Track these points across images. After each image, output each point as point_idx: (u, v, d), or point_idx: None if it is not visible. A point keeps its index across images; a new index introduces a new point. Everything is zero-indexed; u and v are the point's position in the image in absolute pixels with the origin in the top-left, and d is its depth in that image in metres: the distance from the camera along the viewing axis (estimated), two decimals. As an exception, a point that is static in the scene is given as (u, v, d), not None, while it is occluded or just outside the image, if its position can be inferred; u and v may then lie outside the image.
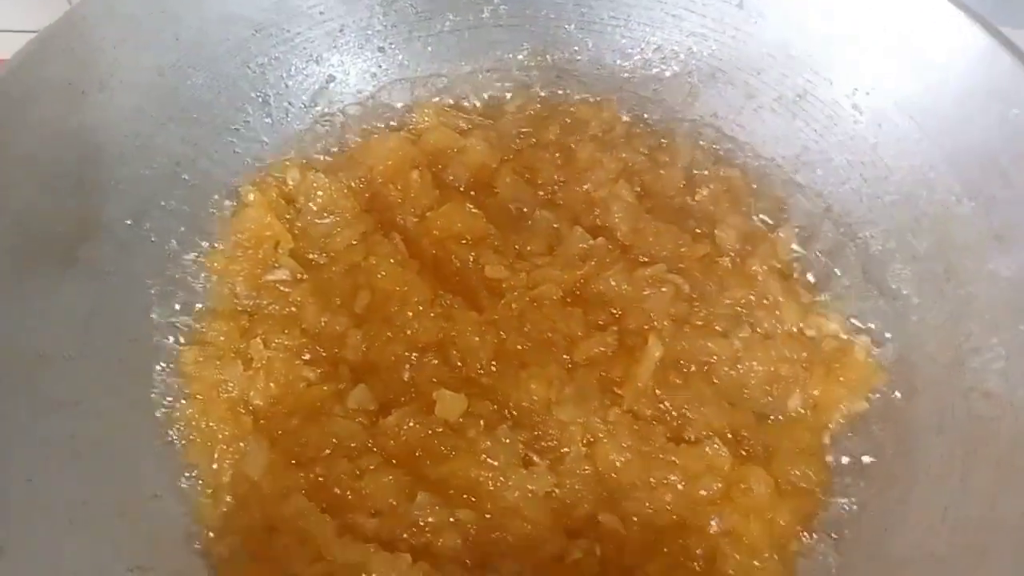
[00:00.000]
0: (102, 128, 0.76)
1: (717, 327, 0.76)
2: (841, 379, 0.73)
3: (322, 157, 0.87)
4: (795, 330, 0.76)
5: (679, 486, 0.67)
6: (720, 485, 0.66)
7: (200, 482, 0.70)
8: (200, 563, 0.67)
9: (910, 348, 0.71)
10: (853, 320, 0.75)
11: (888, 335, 0.73)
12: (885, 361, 0.72)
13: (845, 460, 0.70)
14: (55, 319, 0.69)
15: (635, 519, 0.67)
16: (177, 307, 0.77)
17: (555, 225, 0.83)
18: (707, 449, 0.68)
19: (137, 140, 0.78)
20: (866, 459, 0.69)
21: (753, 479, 0.66)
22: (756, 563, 0.64)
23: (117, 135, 0.77)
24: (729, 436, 0.70)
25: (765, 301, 0.77)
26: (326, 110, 0.88)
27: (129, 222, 0.77)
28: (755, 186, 0.84)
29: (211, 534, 0.68)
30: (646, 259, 0.80)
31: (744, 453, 0.70)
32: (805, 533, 0.66)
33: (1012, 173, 0.68)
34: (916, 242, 0.73)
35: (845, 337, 0.74)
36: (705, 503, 0.67)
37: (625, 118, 0.90)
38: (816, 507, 0.67)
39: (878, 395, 0.72)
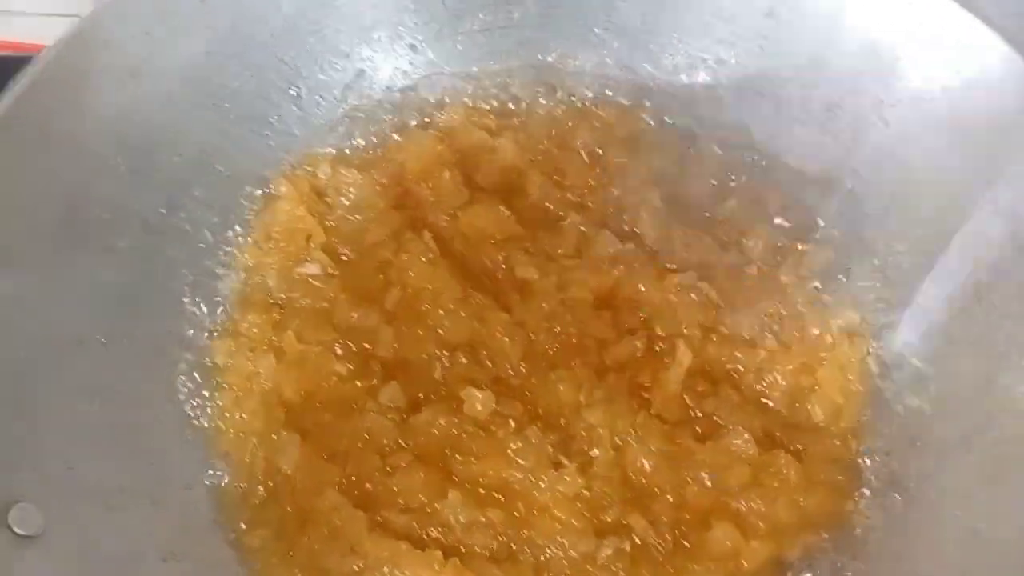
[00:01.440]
0: (137, 115, 0.75)
1: (744, 336, 0.78)
2: (860, 391, 0.75)
3: (353, 152, 0.87)
4: (820, 341, 0.77)
5: (707, 482, 0.68)
6: (748, 473, 0.68)
7: (232, 474, 0.70)
8: (231, 554, 0.67)
9: (938, 366, 0.72)
10: (881, 334, 0.76)
11: (916, 352, 0.74)
12: (913, 378, 0.73)
13: (871, 471, 0.71)
14: (92, 305, 0.69)
15: (664, 519, 0.68)
16: (211, 297, 0.77)
17: (583, 229, 0.83)
18: (734, 441, 0.69)
19: (170, 128, 0.78)
20: (893, 472, 0.70)
21: (782, 462, 0.68)
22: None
23: (151, 123, 0.76)
24: (761, 434, 0.71)
25: (791, 312, 0.79)
26: (356, 104, 0.88)
27: (163, 210, 0.76)
28: (783, 197, 0.85)
29: (243, 525, 0.68)
30: (673, 266, 0.81)
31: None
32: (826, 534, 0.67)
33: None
34: (946, 258, 0.74)
35: (872, 352, 0.75)
36: (733, 492, 0.68)
37: (654, 124, 0.90)
38: (843, 508, 0.68)
39: (905, 410, 0.73)
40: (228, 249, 0.80)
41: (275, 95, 0.85)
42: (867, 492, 0.70)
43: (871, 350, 0.76)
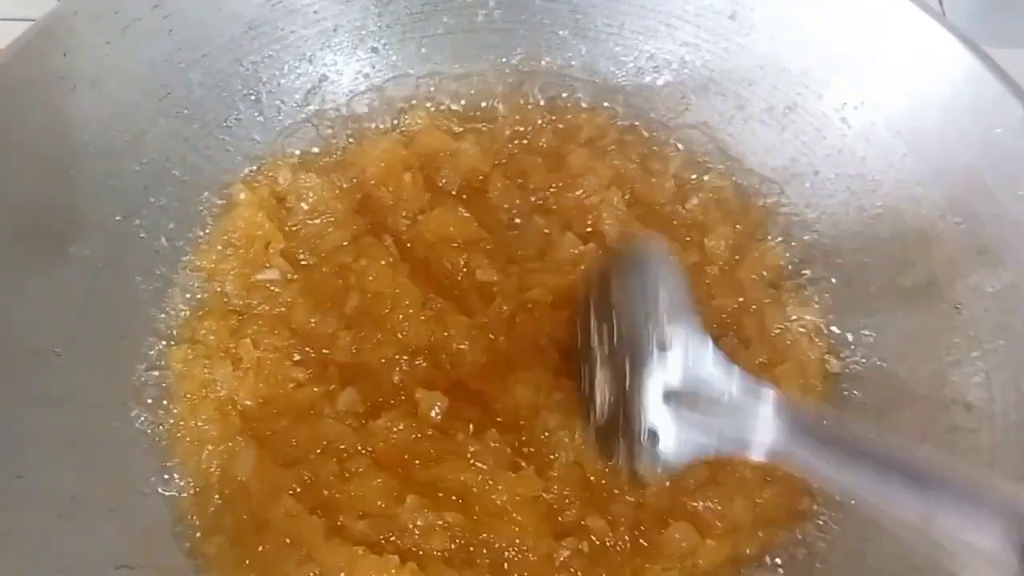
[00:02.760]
0: (94, 122, 0.75)
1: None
2: (819, 388, 0.75)
3: (314, 157, 0.87)
4: (780, 340, 0.77)
5: (666, 483, 0.68)
6: (705, 470, 0.68)
7: (188, 481, 0.70)
8: (187, 562, 0.66)
9: (892, 360, 0.73)
10: (835, 329, 0.77)
11: (873, 349, 0.74)
12: (871, 374, 0.74)
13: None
14: (46, 314, 0.69)
15: (623, 520, 0.68)
16: (167, 305, 0.77)
17: (546, 231, 0.83)
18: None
19: (128, 135, 0.77)
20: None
21: (739, 462, 0.68)
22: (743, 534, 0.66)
23: (108, 130, 0.76)
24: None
25: (751, 311, 0.79)
26: (318, 109, 0.88)
27: (119, 218, 0.76)
28: (745, 196, 0.85)
29: (198, 533, 0.68)
30: (635, 266, 0.81)
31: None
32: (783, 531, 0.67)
33: (995, 190, 0.69)
34: (901, 255, 0.74)
35: (825, 346, 0.76)
36: (690, 492, 0.68)
37: (617, 125, 0.90)
38: (799, 506, 0.68)
39: (860, 404, 0.73)
40: (186, 256, 0.79)
41: (235, 100, 0.85)
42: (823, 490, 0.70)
43: (830, 348, 0.76)
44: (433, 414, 0.72)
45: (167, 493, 0.69)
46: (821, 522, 0.68)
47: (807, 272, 0.80)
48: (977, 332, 0.68)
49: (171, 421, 0.72)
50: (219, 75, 0.84)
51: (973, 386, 0.66)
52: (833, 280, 0.79)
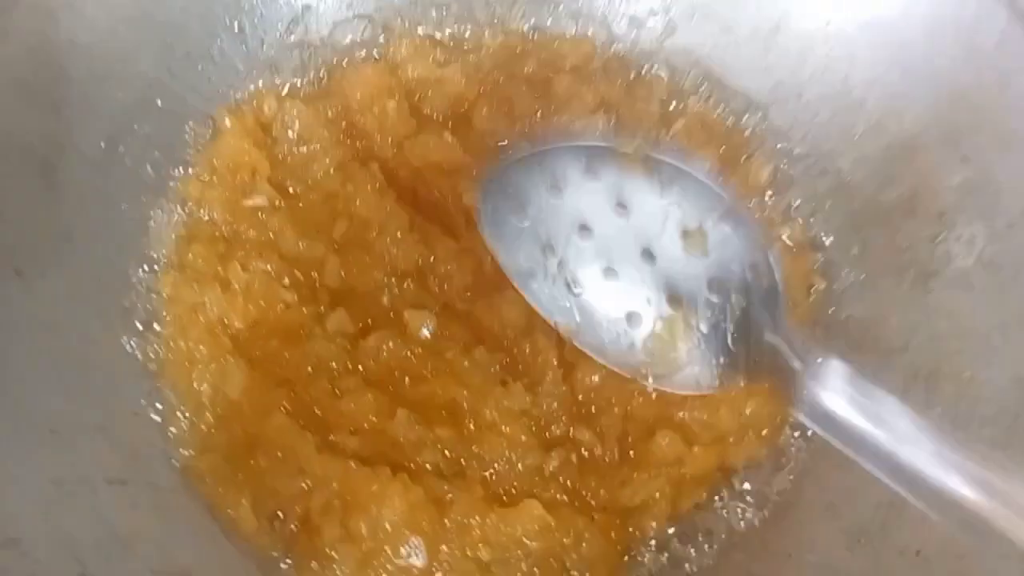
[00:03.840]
0: (75, 47, 0.74)
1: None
2: (804, 304, 0.76)
3: (299, 86, 0.86)
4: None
5: (653, 395, 0.69)
6: None
7: (179, 401, 0.70)
8: (178, 479, 0.67)
9: (878, 272, 0.73)
10: (820, 246, 0.77)
11: (855, 262, 0.75)
12: (855, 288, 0.74)
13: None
14: (32, 237, 0.68)
15: (611, 432, 0.69)
16: (153, 232, 0.77)
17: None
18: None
19: (110, 62, 0.76)
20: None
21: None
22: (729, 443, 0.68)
23: (89, 56, 0.75)
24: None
25: (739, 230, 0.79)
26: (302, 39, 0.87)
27: (103, 145, 0.76)
28: (730, 119, 0.85)
29: (191, 451, 0.68)
30: (622, 190, 0.81)
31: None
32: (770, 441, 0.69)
33: (978, 100, 0.70)
34: (885, 170, 0.75)
35: (810, 263, 0.76)
36: (677, 403, 0.69)
37: (602, 53, 0.90)
38: (785, 416, 0.69)
39: (845, 319, 0.74)
40: (171, 184, 0.79)
41: (218, 30, 0.84)
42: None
43: (814, 265, 0.77)
44: (422, 333, 0.72)
45: (158, 413, 0.70)
46: (808, 433, 0.69)
47: (792, 191, 0.80)
48: (960, 238, 0.69)
49: (160, 344, 0.72)
50: (201, 4, 0.82)
51: (957, 293, 0.67)
52: (818, 199, 0.79)
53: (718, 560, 0.64)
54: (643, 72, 0.88)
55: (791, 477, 0.68)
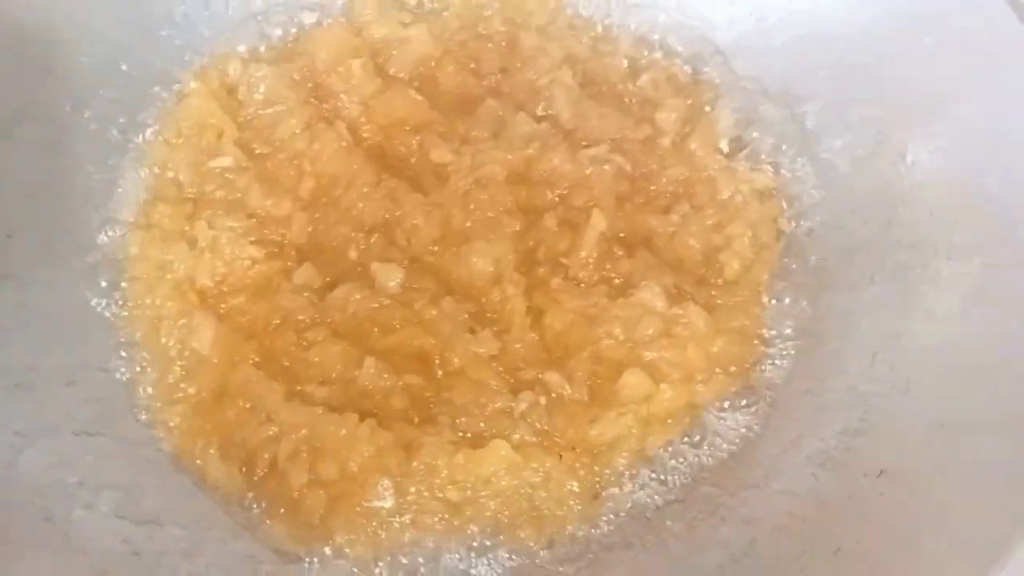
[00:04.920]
0: (37, 9, 0.75)
1: (659, 203, 0.78)
2: (772, 247, 0.76)
3: (262, 49, 0.86)
4: (731, 203, 0.78)
5: (620, 336, 0.69)
6: (659, 324, 0.69)
7: (147, 357, 0.70)
8: (148, 432, 0.67)
9: (843, 216, 0.74)
10: (790, 191, 0.77)
11: (820, 205, 0.75)
12: (819, 228, 0.75)
13: (781, 317, 0.72)
14: (-3, 194, 0.69)
15: (579, 374, 0.69)
16: (119, 193, 0.77)
17: (500, 113, 0.83)
18: (645, 294, 0.70)
19: (74, 26, 0.77)
20: (802, 314, 0.71)
21: (691, 313, 0.69)
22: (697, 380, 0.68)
23: (52, 19, 0.76)
24: (673, 290, 0.71)
25: (703, 177, 0.79)
26: (267, 1, 0.88)
27: (69, 108, 0.76)
28: (695, 71, 0.85)
29: (158, 403, 0.68)
30: (588, 143, 0.81)
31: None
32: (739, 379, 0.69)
33: (940, 32, 0.70)
34: (850, 110, 0.75)
35: (777, 207, 0.77)
36: (645, 343, 0.69)
37: (568, 11, 0.90)
38: (753, 352, 0.70)
39: (813, 258, 0.74)
40: (136, 143, 0.79)
41: (182, -7, 0.84)
42: (777, 335, 0.71)
43: (781, 209, 0.77)
44: (389, 286, 0.72)
45: (127, 368, 0.69)
46: (775, 364, 0.69)
47: (757, 136, 0.80)
48: (925, 177, 0.69)
49: (128, 301, 0.72)
50: (164, -32, 0.83)
51: (919, 224, 0.67)
52: (783, 143, 0.79)
53: (686, 495, 0.64)
54: (609, 28, 0.89)
55: (757, 411, 0.68)
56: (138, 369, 0.70)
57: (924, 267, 0.67)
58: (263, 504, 0.64)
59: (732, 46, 0.85)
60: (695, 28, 0.86)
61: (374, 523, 0.63)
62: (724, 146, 0.81)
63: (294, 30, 0.87)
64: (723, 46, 0.85)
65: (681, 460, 0.66)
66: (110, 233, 0.75)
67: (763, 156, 0.80)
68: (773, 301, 0.73)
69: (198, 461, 0.66)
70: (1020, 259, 0.61)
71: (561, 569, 0.62)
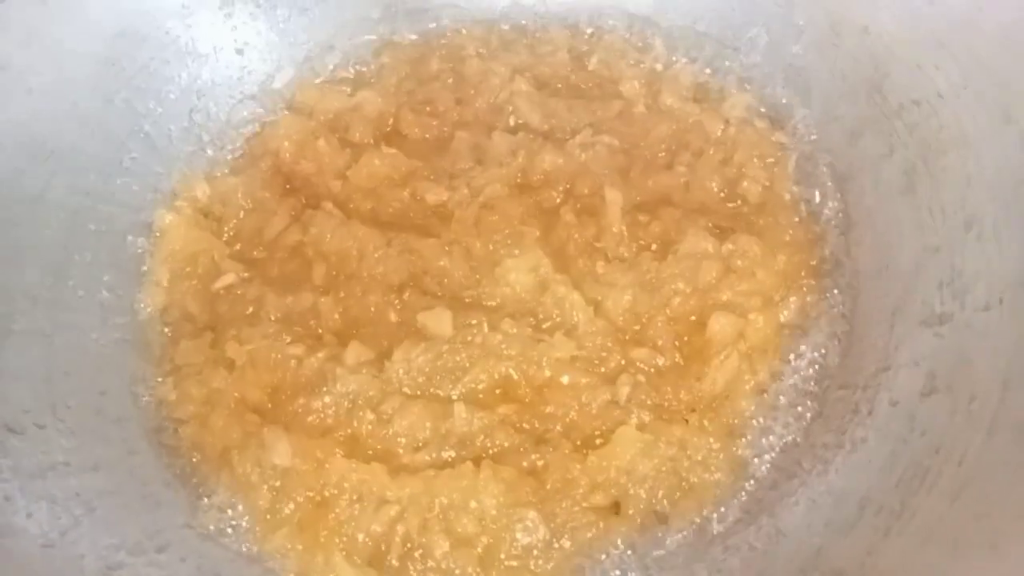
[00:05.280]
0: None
1: (660, 162, 0.79)
2: (774, 159, 0.77)
3: (222, 162, 0.84)
4: (725, 135, 0.79)
5: (686, 289, 0.68)
6: (718, 265, 0.68)
7: (231, 493, 0.65)
8: (262, 566, 0.62)
9: (833, 104, 0.75)
10: (772, 106, 0.79)
11: (809, 103, 0.77)
12: (813, 145, 0.77)
13: (820, 215, 0.72)
14: (14, 391, 0.64)
15: (660, 341, 0.67)
16: (134, 350, 0.72)
17: (474, 140, 0.83)
18: (692, 242, 0.69)
19: (25, 200, 0.73)
20: (838, 206, 0.72)
21: (742, 243, 0.69)
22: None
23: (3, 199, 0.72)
24: (716, 231, 0.71)
25: (688, 126, 0.80)
26: (206, 121, 0.86)
27: (50, 282, 0.72)
28: (640, 38, 0.87)
29: (261, 532, 0.63)
30: (567, 137, 0.82)
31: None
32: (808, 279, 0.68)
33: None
34: (795, 17, 0.77)
35: (769, 123, 0.78)
36: (713, 286, 0.68)
37: (497, 31, 0.91)
38: (814, 254, 0.69)
39: (826, 156, 0.75)
40: (136, 295, 0.75)
41: (123, 140, 0.81)
42: (827, 233, 0.71)
43: (772, 123, 0.78)
44: (444, 329, 0.69)
45: (211, 515, 0.64)
46: (835, 255, 0.69)
47: (725, 75, 0.82)
48: (893, 39, 0.71)
49: (187, 439, 0.67)
50: (94, 119, 0.79)
51: (912, 82, 0.69)
52: (749, 72, 0.81)
53: (822, 407, 0.63)
54: (542, 31, 0.90)
55: (843, 302, 0.68)
56: (229, 512, 0.64)
57: (934, 114, 0.68)
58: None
59: (658, 4, 0.87)
60: (618, 2, 0.88)
61: (533, 553, 0.59)
62: (694, 93, 0.82)
63: (240, 143, 0.85)
64: (650, 10, 0.87)
65: (798, 377, 0.64)
66: (142, 392, 0.70)
67: (733, 90, 0.82)
68: (804, 204, 0.73)
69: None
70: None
71: (736, 528, 0.59)
